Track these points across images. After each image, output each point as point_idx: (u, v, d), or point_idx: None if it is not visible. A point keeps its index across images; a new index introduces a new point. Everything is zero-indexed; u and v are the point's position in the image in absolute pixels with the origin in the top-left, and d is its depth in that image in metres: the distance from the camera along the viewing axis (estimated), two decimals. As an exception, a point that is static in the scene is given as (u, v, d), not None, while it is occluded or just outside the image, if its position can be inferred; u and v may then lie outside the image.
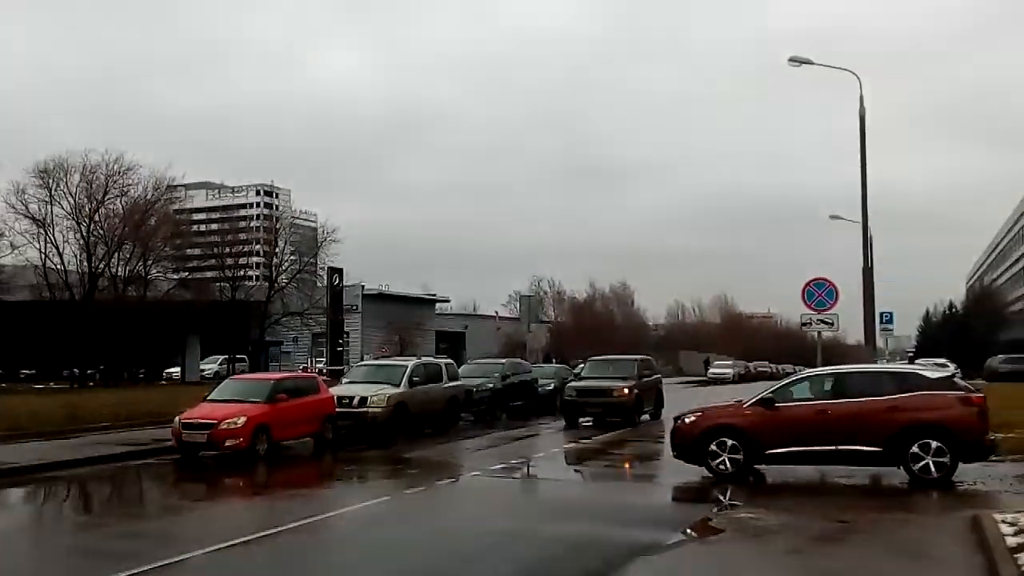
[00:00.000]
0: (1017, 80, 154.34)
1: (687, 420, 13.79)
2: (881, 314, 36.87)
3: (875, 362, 30.37)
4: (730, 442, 13.00)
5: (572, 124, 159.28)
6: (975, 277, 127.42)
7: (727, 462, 13.04)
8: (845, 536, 9.58)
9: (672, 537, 9.40)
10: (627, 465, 16.63)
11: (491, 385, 24.81)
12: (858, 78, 26.15)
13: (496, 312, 70.61)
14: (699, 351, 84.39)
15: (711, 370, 60.73)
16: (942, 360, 55.25)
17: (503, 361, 28.18)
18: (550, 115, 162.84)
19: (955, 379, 13.43)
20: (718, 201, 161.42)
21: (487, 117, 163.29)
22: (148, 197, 44.41)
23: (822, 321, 17.91)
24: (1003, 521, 9.10)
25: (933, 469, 12.10)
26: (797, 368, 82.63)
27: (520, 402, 26.13)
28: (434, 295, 65.82)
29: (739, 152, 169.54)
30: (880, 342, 37.43)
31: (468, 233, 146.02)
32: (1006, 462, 14.45)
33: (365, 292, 53.80)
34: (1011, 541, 8.10)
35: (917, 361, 47.53)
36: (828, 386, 13.17)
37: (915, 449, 12.16)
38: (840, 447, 12.45)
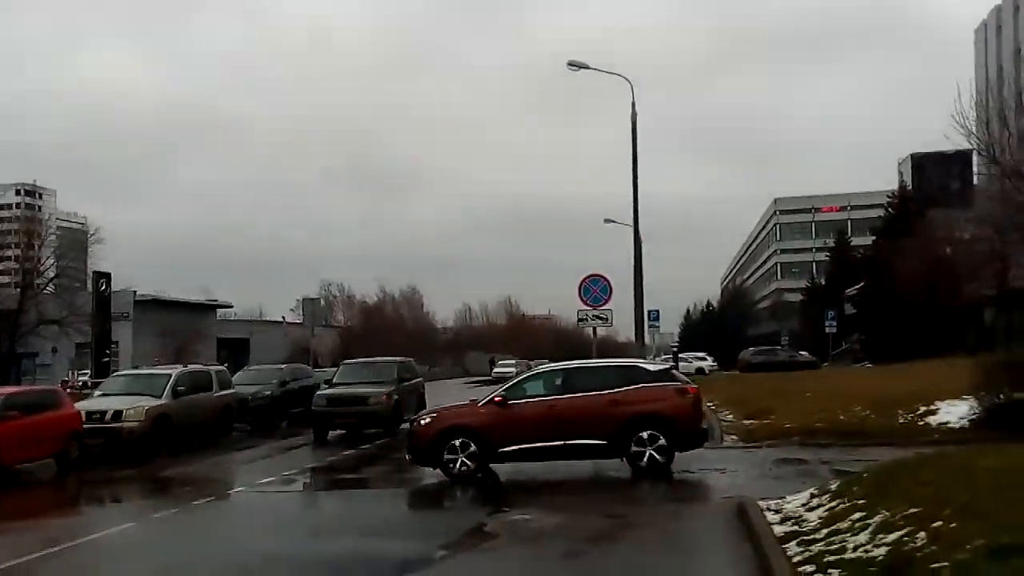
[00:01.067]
0: (753, 105, 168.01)
1: (423, 422, 13.18)
2: (649, 312, 38.24)
3: (644, 357, 31.52)
4: (464, 442, 12.46)
5: (359, 132, 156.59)
6: (729, 278, 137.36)
7: (463, 463, 12.47)
8: (619, 532, 9.10)
9: (444, 549, 8.53)
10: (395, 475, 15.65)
11: (268, 392, 23.08)
12: (630, 83, 26.62)
13: (283, 317, 67.53)
14: (486, 352, 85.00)
15: (495, 369, 60.98)
16: (701, 354, 58.69)
17: (282, 366, 26.41)
18: (337, 122, 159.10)
19: (673, 371, 13.65)
20: (502, 209, 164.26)
21: (272, 120, 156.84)
22: None
23: (597, 317, 17.80)
24: (768, 509, 8.96)
25: (656, 458, 12.13)
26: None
27: (301, 409, 24.51)
28: (215, 300, 61.74)
29: (521, 162, 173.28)
30: (648, 338, 38.87)
31: (255, 238, 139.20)
32: (763, 447, 14.80)
33: (138, 298, 49.42)
34: (778, 530, 7.88)
35: (680, 355, 49.83)
36: (558, 382, 12.98)
37: (637, 440, 12.18)
38: (569, 442, 12.31)
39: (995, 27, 65.44)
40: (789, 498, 9.33)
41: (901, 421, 15.60)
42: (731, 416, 18.32)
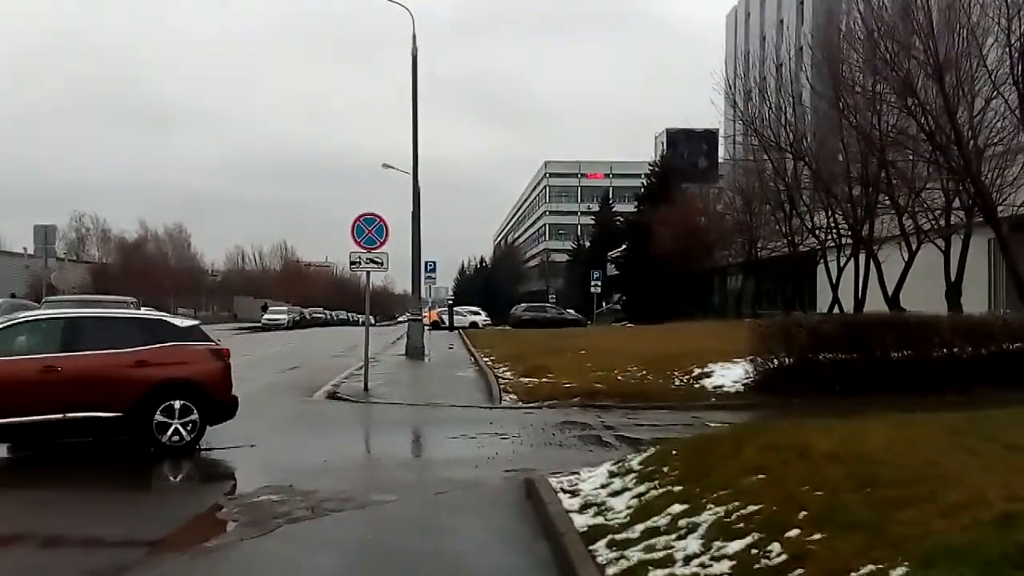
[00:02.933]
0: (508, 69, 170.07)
1: None
2: (426, 263, 36.46)
3: (421, 310, 29.74)
4: None
5: (108, 56, 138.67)
6: (501, 236, 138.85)
7: None
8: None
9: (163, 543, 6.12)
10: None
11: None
12: (411, 14, 24.37)
13: (24, 248, 58.82)
14: (257, 297, 79.79)
15: (266, 316, 56.83)
16: (475, 308, 58.03)
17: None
18: (79, 43, 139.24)
19: (201, 328, 10.77)
20: (278, 153, 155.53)
21: (19, 37, 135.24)
22: None
23: (372, 260, 15.52)
24: (562, 490, 7.29)
25: (184, 434, 9.58)
26: (345, 315, 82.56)
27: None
28: (-59, 226, 52.67)
29: (299, 107, 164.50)
30: (424, 291, 37.10)
31: None
32: (543, 408, 13.36)
33: None
34: (580, 522, 6.16)
35: (456, 309, 48.67)
36: (58, 335, 9.60)
37: (162, 412, 9.53)
38: (71, 415, 9.20)
39: (744, 13, 69.00)
40: (584, 474, 7.73)
41: (678, 383, 14.77)
42: (508, 373, 16.85)
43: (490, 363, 19.55)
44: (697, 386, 14.46)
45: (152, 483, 9.14)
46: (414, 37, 24.54)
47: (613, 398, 13.62)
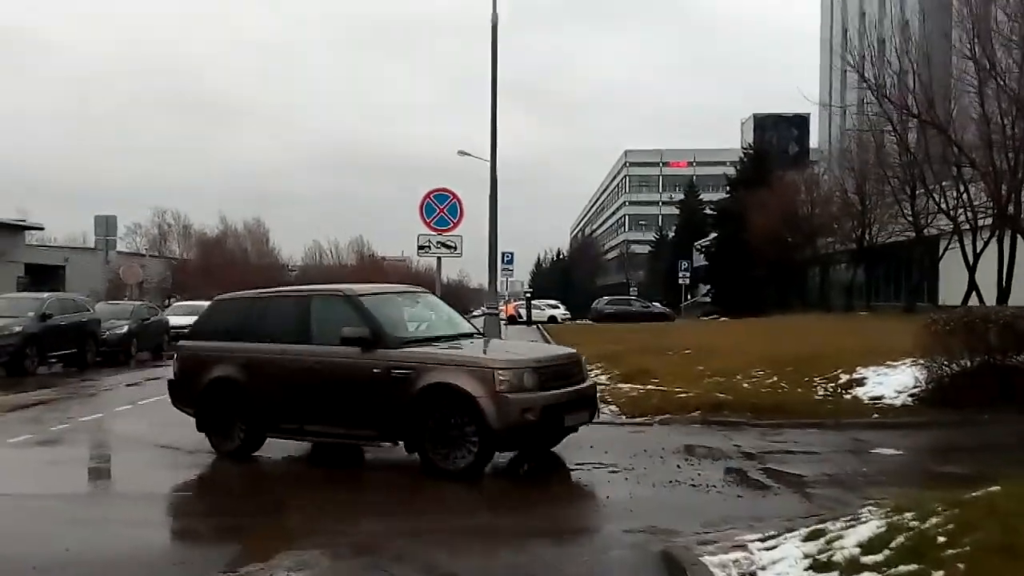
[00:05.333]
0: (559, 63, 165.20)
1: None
2: (503, 254, 33.99)
3: (498, 303, 27.22)
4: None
5: (177, 60, 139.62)
6: (578, 228, 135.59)
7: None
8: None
9: None
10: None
11: (19, 329, 17.06)
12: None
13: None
14: (332, 292, 78.67)
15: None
16: (554, 301, 55.28)
17: (44, 295, 20.21)
18: (152, 48, 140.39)
19: None
20: (345, 148, 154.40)
21: (87, 44, 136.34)
22: None
23: (443, 244, 13.00)
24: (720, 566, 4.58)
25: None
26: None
27: (71, 350, 18.71)
28: (22, 220, 52.41)
29: (366, 102, 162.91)
30: (500, 284, 34.61)
31: (77, 164, 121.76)
32: (655, 424, 10.57)
33: (-84, 213, 40.73)
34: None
35: (534, 302, 46.05)
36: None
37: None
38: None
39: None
40: (758, 552, 4.99)
41: (822, 393, 11.72)
42: (604, 377, 14.05)
43: (580, 364, 16.81)
44: (848, 397, 11.41)
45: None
46: (494, 2, 21.97)
47: (743, 412, 10.70)
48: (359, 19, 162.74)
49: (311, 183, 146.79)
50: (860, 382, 11.79)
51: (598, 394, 12.29)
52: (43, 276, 50.58)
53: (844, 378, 12.06)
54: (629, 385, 12.97)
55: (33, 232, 55.40)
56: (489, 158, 23.64)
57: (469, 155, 36.96)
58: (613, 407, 11.52)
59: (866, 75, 24.94)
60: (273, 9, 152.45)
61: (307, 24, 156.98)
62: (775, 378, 12.64)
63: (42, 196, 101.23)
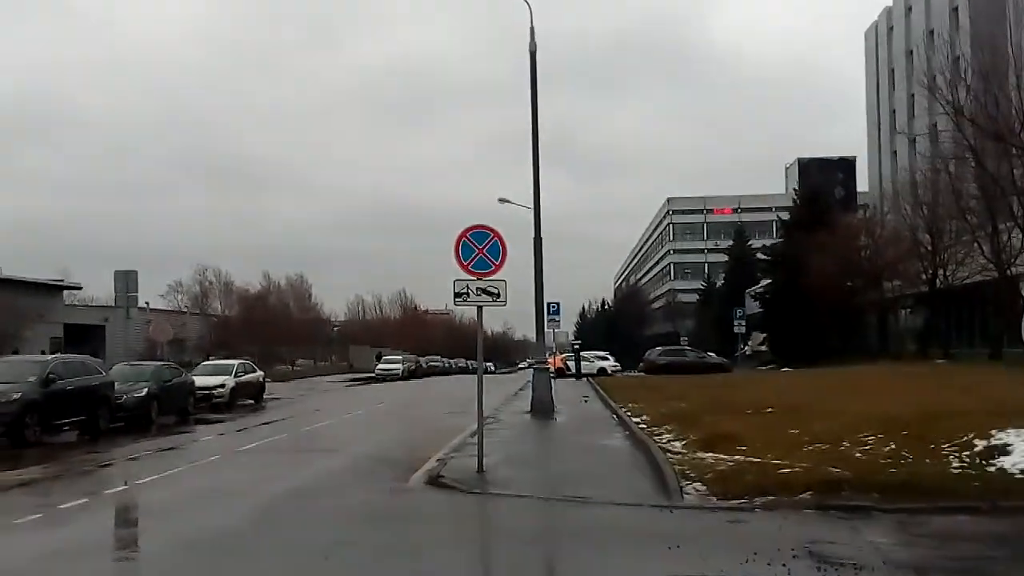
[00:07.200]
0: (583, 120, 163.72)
1: None
2: (548, 304, 32.02)
3: (545, 355, 25.09)
4: None
5: (204, 127, 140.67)
6: (622, 278, 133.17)
7: None
8: None
9: None
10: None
11: (16, 396, 15.30)
12: (528, 5, 20.36)
13: (147, 303, 57.89)
14: (375, 346, 77.09)
15: (379, 366, 53.37)
16: (603, 353, 52.83)
17: (47, 357, 18.58)
18: (182, 116, 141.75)
19: None
20: (384, 206, 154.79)
21: (119, 117, 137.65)
22: None
23: (483, 291, 10.96)
24: None
25: None
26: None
27: (79, 417, 16.97)
28: (61, 280, 51.85)
29: (389, 163, 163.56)
30: (547, 336, 32.54)
31: (116, 229, 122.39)
32: (756, 511, 8.26)
33: (-48, 274, 40.09)
34: None
35: (582, 354, 43.72)
36: None
37: None
38: None
39: (886, 27, 62.62)
40: None
41: (957, 465, 9.34)
42: (679, 444, 11.83)
43: (644, 426, 14.58)
44: (993, 469, 9.03)
45: None
46: (532, 31, 20.41)
47: (868, 493, 8.40)
48: (386, 89, 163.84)
49: (351, 242, 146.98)
50: (1003, 450, 9.42)
51: (675, 467, 10.14)
52: (82, 336, 49.80)
53: (979, 444, 9.70)
54: (711, 454, 10.70)
55: (74, 293, 54.97)
56: (532, 204, 21.99)
57: (510, 202, 35.38)
58: (698, 485, 9.28)
59: (938, 96, 22.70)
60: (301, 81, 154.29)
61: (334, 93, 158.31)
62: (891, 445, 10.30)
63: (84, 259, 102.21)
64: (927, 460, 9.47)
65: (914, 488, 8.46)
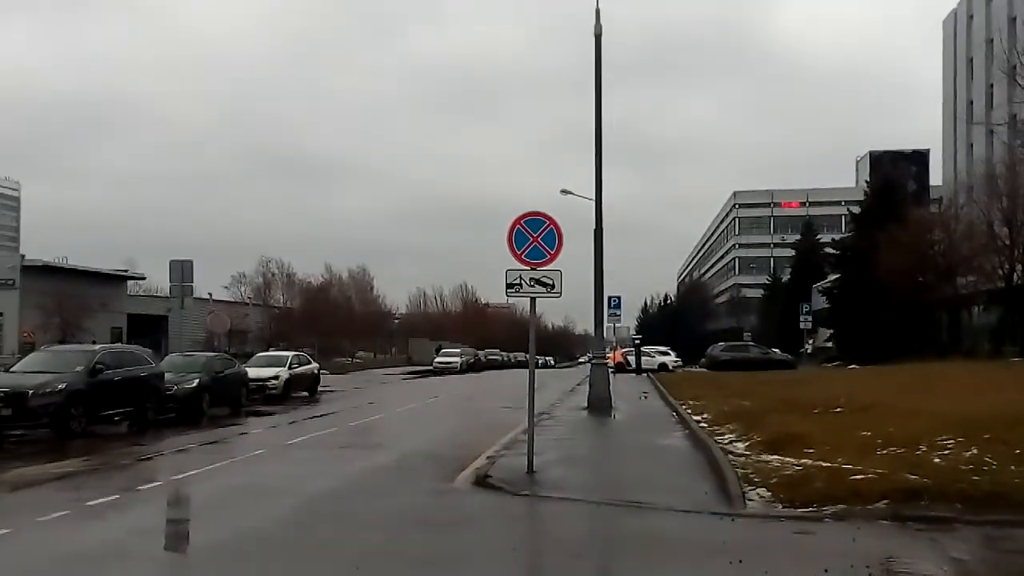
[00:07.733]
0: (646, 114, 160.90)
1: None
2: (609, 298, 31.37)
3: (606, 350, 24.46)
4: None
5: (269, 120, 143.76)
6: (686, 272, 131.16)
7: None
8: None
9: None
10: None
11: (61, 387, 15.20)
12: (592, -13, 19.80)
13: (210, 294, 58.97)
14: (435, 339, 77.22)
15: (437, 359, 53.24)
16: (664, 348, 51.83)
17: (95, 347, 18.58)
18: (246, 110, 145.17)
19: None
20: (449, 199, 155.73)
21: (185, 111, 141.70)
22: None
23: (538, 282, 10.49)
24: None
25: None
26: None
27: (126, 408, 16.98)
28: (125, 271, 53.00)
29: (450, 155, 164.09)
30: (606, 330, 31.88)
31: (184, 222, 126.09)
32: (825, 521, 7.62)
33: (26, 263, 41.25)
34: None
35: (643, 349, 42.91)
36: None
37: None
38: None
39: (966, 15, 60.01)
40: None
41: (1052, 473, 8.56)
42: (741, 445, 11.20)
43: (705, 425, 13.94)
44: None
45: None
46: (597, 12, 19.85)
47: (950, 503, 7.69)
48: (449, 82, 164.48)
49: (413, 235, 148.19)
50: (1105, 458, 8.58)
51: (738, 470, 9.53)
52: (146, 326, 50.91)
53: (1077, 452, 8.87)
54: (777, 457, 10.04)
55: (139, 283, 56.14)
56: (594, 195, 21.45)
57: (572, 193, 34.86)
58: (763, 490, 8.65)
59: (1020, 83, 21.39)
60: (364, 74, 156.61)
61: (397, 84, 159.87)
62: (973, 450, 9.49)
63: (151, 250, 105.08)
64: (1012, 467, 8.65)
65: (1000, 498, 7.71)
